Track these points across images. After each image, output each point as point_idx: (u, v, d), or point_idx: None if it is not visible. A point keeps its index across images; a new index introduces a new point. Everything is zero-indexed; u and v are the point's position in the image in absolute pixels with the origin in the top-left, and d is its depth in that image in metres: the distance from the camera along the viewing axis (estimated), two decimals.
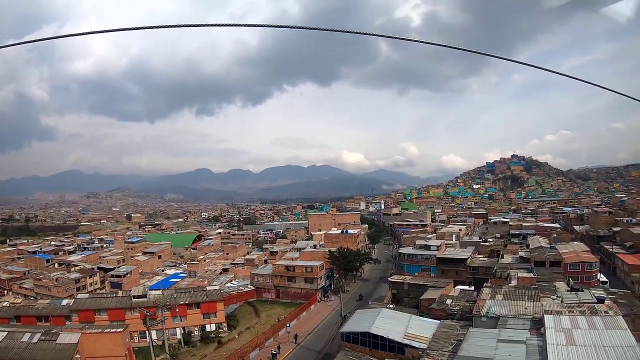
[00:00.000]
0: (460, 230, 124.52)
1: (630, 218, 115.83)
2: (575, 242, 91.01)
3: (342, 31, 6.78)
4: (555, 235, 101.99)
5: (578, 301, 43.98)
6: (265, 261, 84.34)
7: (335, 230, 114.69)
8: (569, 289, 51.18)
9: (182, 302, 56.46)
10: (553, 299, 47.23)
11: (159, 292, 60.80)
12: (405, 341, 38.54)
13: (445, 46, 7.38)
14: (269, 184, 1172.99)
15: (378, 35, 7.17)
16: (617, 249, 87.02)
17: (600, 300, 41.80)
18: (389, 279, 73.52)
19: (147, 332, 39.02)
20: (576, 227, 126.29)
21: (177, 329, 56.80)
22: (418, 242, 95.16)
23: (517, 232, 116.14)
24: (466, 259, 78.93)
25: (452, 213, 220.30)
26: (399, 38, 7.42)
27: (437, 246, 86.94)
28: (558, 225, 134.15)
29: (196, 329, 57.88)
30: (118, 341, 43.18)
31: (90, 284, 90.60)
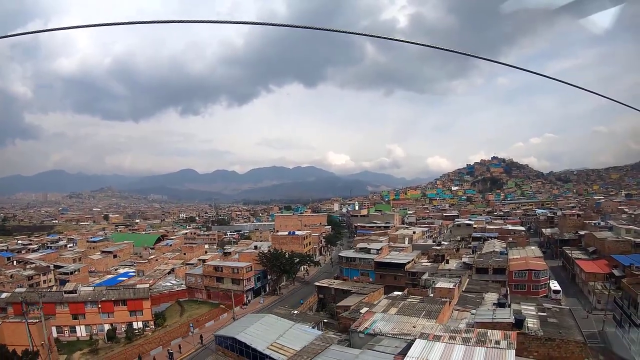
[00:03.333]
0: (414, 233, 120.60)
1: (599, 221, 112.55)
2: (532, 247, 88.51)
3: (332, 30, 6.75)
4: (511, 239, 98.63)
5: (491, 320, 39.62)
6: (203, 261, 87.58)
7: (282, 232, 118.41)
8: (496, 302, 47.83)
9: (104, 299, 60.12)
10: (472, 314, 44.23)
11: (90, 288, 64.38)
12: (267, 352, 36.93)
13: (434, 47, 7.38)
14: (254, 185, 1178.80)
15: (369, 35, 7.18)
16: (578, 253, 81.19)
17: (518, 322, 38.00)
18: (315, 283, 73.09)
19: (26, 327, 42.66)
20: (544, 230, 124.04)
21: (105, 325, 60.23)
22: (359, 245, 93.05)
23: (479, 235, 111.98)
24: (405, 264, 75.17)
25: (424, 215, 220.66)
26: (387, 38, 7.31)
27: (378, 249, 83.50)
28: (522, 228, 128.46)
29: (123, 325, 60.68)
30: (35, 332, 46.94)
31: (44, 281, 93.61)
